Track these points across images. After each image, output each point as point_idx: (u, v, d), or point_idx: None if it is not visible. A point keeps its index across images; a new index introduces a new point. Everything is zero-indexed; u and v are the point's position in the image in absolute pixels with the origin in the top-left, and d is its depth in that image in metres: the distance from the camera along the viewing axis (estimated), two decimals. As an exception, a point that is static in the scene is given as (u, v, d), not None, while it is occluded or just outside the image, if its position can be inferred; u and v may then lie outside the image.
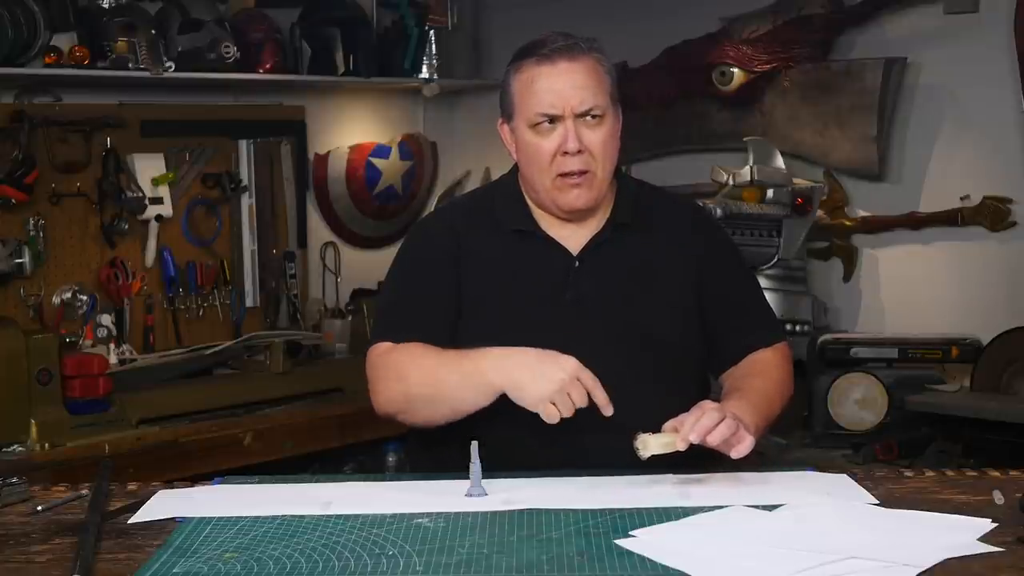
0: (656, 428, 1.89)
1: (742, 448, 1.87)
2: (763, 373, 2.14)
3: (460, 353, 2.00)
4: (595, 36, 2.14)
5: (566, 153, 2.05)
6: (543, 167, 2.08)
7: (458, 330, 2.10)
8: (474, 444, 1.83)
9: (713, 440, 1.84)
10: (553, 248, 2.13)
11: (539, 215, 2.15)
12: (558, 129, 2.05)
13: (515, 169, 2.21)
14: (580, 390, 1.87)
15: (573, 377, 1.87)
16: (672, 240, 2.17)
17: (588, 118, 2.06)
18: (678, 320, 2.13)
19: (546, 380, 1.88)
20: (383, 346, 2.09)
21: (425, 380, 2.01)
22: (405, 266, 2.20)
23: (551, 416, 1.87)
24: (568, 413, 1.87)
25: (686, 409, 2.13)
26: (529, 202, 2.16)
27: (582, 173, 2.06)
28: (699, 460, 1.93)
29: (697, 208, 2.45)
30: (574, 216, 2.13)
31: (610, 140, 2.09)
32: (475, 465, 1.83)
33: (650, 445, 1.85)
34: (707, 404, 1.91)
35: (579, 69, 2.05)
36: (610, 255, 2.13)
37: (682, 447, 1.85)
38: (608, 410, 1.89)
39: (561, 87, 2.04)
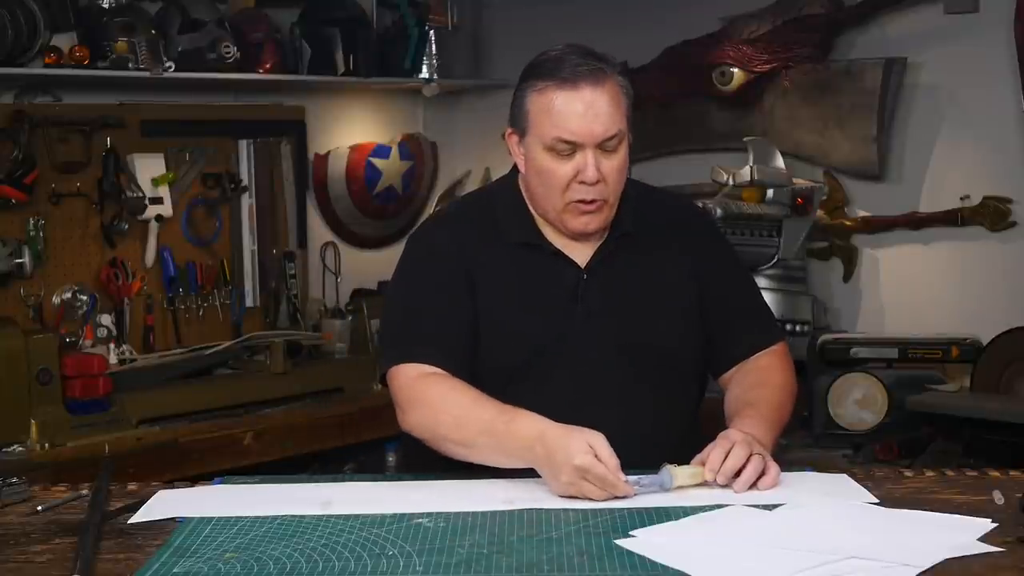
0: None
1: (768, 481, 1.84)
2: (769, 382, 2.13)
3: (493, 412, 1.93)
4: (596, 39, 2.12)
5: (582, 182, 2.01)
6: (556, 191, 2.04)
7: (477, 343, 2.08)
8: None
9: (739, 488, 1.81)
10: (561, 261, 2.11)
11: (544, 227, 2.13)
12: (576, 156, 2.00)
13: (513, 175, 2.18)
14: (590, 487, 1.79)
15: (580, 476, 1.79)
16: (672, 243, 2.17)
17: (609, 145, 2.01)
18: (682, 325, 2.13)
19: (558, 483, 1.81)
20: (410, 371, 2.03)
21: (457, 430, 1.96)
22: (419, 279, 2.13)
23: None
24: (595, 497, 1.79)
25: (684, 412, 2.14)
26: (534, 214, 2.14)
27: (595, 201, 2.04)
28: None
29: (693, 207, 2.44)
30: (579, 237, 2.12)
31: (623, 165, 2.05)
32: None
33: (677, 477, 1.83)
34: (733, 435, 1.88)
35: (603, 95, 1.99)
36: (616, 266, 2.12)
37: (710, 479, 1.83)
38: (628, 493, 1.80)
39: (586, 114, 1.98)
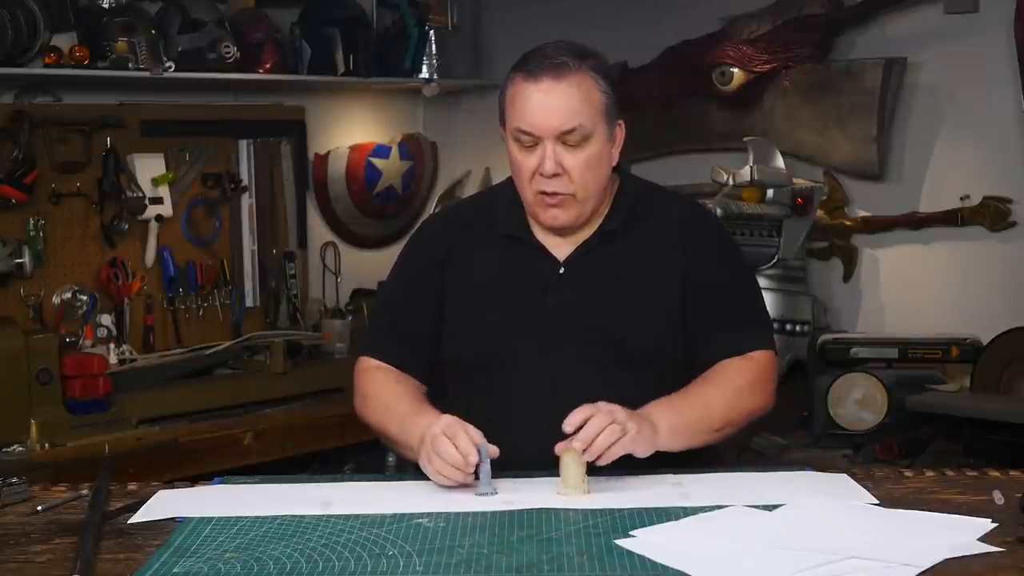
0: None
1: (597, 448, 1.83)
2: (717, 380, 2.07)
3: (407, 407, 2.03)
4: (595, 39, 2.12)
5: (541, 174, 2.03)
6: (524, 182, 2.07)
7: (445, 332, 2.13)
8: (483, 447, 1.84)
9: (590, 458, 1.82)
10: (540, 254, 2.12)
11: (533, 223, 2.15)
12: (538, 148, 2.03)
13: None
14: (442, 465, 1.85)
15: (433, 451, 1.86)
16: (660, 244, 2.13)
17: (570, 139, 2.01)
18: (659, 326, 2.09)
19: (425, 466, 1.89)
20: (364, 362, 2.18)
21: (382, 423, 2.08)
22: (396, 275, 2.25)
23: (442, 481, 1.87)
24: (448, 476, 1.85)
25: None
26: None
27: (557, 194, 2.04)
28: (697, 460, 1.95)
29: (695, 209, 2.33)
30: (554, 231, 2.12)
31: (595, 161, 2.04)
32: (485, 464, 1.83)
33: (578, 487, 1.82)
34: (602, 406, 1.87)
35: (563, 88, 2.00)
36: (595, 263, 2.11)
37: (579, 447, 1.82)
38: (472, 457, 1.84)
39: (542, 107, 2.00)
